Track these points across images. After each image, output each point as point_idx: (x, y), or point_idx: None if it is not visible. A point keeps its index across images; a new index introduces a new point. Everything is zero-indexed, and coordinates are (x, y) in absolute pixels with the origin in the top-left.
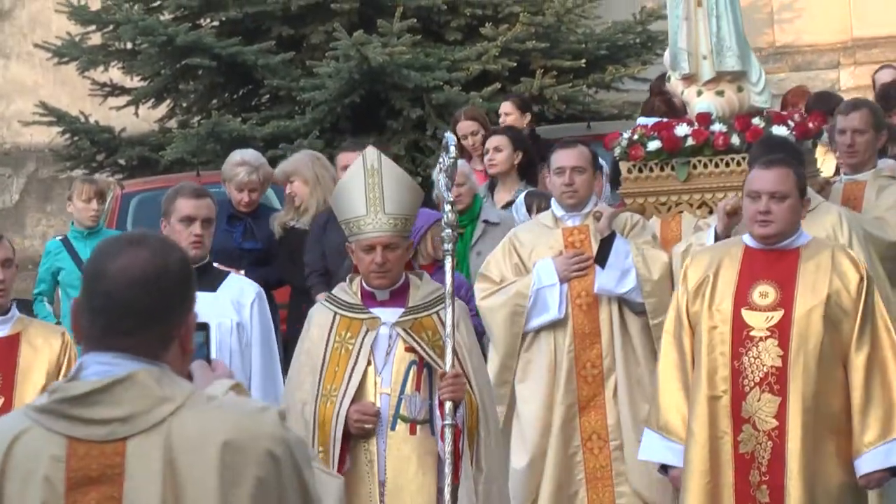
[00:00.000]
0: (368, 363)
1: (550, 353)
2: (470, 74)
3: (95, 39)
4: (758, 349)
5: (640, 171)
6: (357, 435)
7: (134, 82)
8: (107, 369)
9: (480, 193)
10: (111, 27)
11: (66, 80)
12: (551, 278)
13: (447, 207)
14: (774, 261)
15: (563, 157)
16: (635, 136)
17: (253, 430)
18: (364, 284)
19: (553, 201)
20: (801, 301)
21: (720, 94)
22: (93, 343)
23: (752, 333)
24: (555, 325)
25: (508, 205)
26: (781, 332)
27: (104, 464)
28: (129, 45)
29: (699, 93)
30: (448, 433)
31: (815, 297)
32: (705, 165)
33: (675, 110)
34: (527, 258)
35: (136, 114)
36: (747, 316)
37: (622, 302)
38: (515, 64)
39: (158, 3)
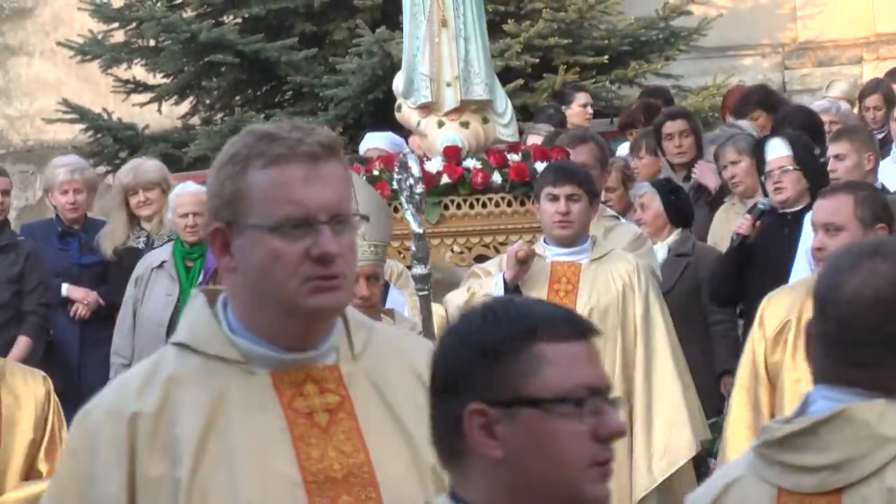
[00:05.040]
0: None
1: None
2: None
3: (118, 37)
4: None
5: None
6: None
7: (157, 79)
8: (830, 405)
9: None
10: (134, 24)
11: (89, 78)
12: None
13: (417, 244)
14: None
15: None
16: (375, 172)
17: None
18: None
19: None
20: None
21: (465, 125)
22: (824, 375)
23: None
24: None
25: None
26: None
27: None
28: (151, 43)
29: (440, 124)
30: None
31: None
32: (458, 206)
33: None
34: None
35: (160, 111)
36: None
37: None
38: (538, 60)
39: (181, 0)
